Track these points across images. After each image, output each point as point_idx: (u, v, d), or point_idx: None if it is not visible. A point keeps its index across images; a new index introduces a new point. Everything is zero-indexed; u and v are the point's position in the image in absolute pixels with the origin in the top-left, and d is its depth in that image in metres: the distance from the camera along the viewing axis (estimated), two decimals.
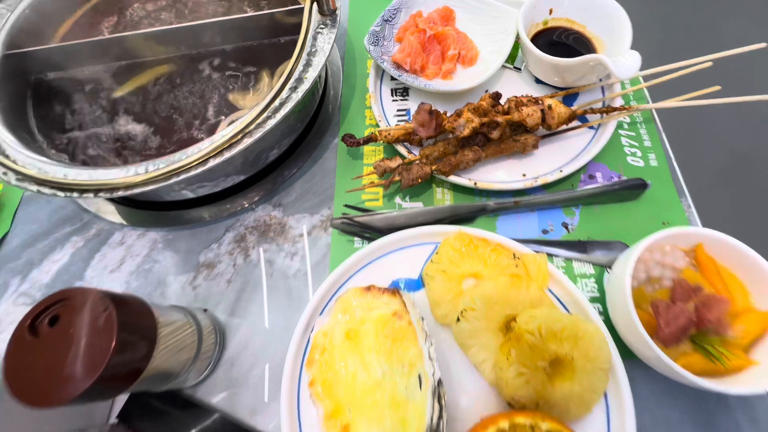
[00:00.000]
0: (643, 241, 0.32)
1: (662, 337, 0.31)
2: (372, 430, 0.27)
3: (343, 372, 0.31)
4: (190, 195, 0.43)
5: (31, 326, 0.24)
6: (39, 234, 0.45)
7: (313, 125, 0.48)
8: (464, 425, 0.31)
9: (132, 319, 0.26)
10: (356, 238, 0.41)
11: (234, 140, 0.35)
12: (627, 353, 0.33)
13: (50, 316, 0.25)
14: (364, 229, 0.40)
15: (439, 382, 0.29)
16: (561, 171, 0.40)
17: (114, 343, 0.24)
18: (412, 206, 0.42)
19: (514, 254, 0.36)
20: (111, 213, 0.45)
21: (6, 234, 0.45)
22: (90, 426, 0.34)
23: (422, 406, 0.28)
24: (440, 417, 0.28)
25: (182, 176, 0.34)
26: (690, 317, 0.31)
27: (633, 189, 0.40)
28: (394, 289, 0.34)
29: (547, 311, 0.32)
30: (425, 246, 0.38)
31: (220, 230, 0.43)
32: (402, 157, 0.41)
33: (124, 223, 0.44)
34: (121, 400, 0.35)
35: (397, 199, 0.43)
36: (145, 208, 0.44)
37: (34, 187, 0.35)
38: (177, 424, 0.35)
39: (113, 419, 0.35)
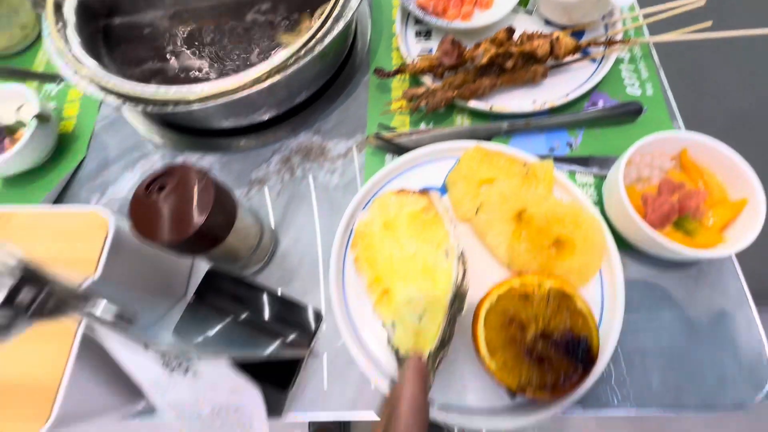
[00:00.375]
0: (636, 143, 0.38)
1: (649, 221, 0.37)
2: (408, 289, 0.34)
3: (382, 251, 0.37)
4: (244, 123, 0.49)
5: (146, 189, 0.31)
6: (111, 159, 0.52)
7: (346, 65, 0.54)
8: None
9: (221, 193, 0.33)
10: (387, 156, 0.47)
11: (287, 63, 0.41)
12: (620, 245, 0.40)
13: (159, 184, 0.32)
14: (395, 147, 0.46)
15: (462, 253, 0.35)
16: (567, 96, 0.45)
17: (213, 201, 0.31)
18: None
19: (524, 163, 0.42)
20: (172, 140, 0.51)
21: (83, 160, 0.52)
22: (171, 300, 0.41)
23: (449, 270, 0.35)
24: (463, 277, 0.34)
25: (244, 92, 0.40)
26: (673, 205, 0.37)
27: (629, 112, 0.46)
28: (422, 191, 0.40)
29: (554, 201, 0.38)
30: (448, 160, 0.44)
31: (268, 153, 0.50)
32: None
33: (185, 149, 0.51)
34: (195, 282, 0.43)
35: (422, 126, 0.49)
36: (202, 136, 0.51)
37: (119, 102, 0.41)
38: (240, 301, 0.42)
39: (190, 296, 0.42)
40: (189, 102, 0.40)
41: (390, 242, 0.38)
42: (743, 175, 0.36)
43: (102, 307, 0.21)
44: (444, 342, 0.33)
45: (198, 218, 0.30)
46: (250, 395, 0.33)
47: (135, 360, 0.31)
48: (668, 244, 0.34)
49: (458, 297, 0.34)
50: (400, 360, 0.33)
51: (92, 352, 0.30)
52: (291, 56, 0.41)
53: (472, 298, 0.37)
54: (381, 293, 0.36)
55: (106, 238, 0.32)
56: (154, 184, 0.32)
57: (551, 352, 0.32)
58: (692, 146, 0.39)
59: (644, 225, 0.35)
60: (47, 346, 0.29)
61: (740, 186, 0.37)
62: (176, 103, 0.40)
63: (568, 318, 0.33)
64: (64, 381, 0.28)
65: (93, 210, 0.33)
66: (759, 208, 0.35)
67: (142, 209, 0.31)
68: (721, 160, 0.38)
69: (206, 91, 0.40)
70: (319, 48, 0.42)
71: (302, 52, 0.42)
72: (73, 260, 0.32)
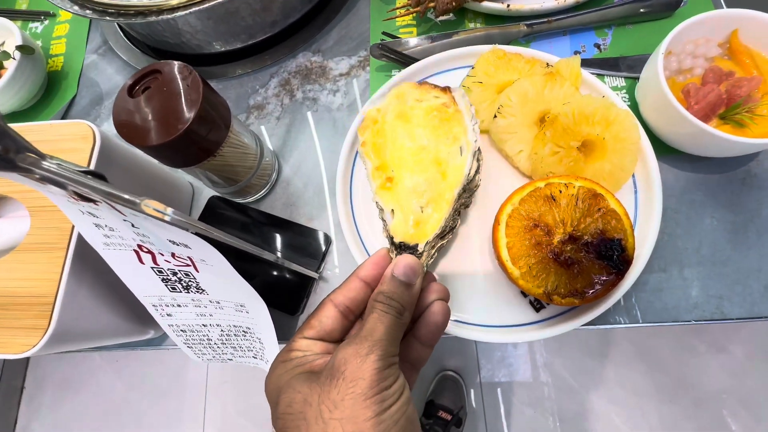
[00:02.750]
0: (676, 27, 0.33)
1: (693, 114, 0.33)
2: (415, 178, 0.31)
3: (392, 139, 0.34)
4: (238, 45, 0.46)
5: (129, 91, 0.28)
6: (102, 94, 0.49)
7: None
8: None
9: (213, 94, 0.30)
10: (393, 72, 0.43)
11: None
12: (657, 150, 0.35)
13: (144, 84, 0.29)
14: (403, 59, 0.42)
15: (479, 149, 0.32)
16: None
17: (202, 97, 0.28)
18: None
19: (547, 63, 0.38)
20: None
21: (74, 97, 0.49)
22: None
23: (462, 165, 0.31)
24: (477, 172, 0.31)
25: None
26: (719, 94, 0.32)
27: (666, 4, 0.40)
28: (445, 87, 0.35)
29: (582, 97, 0.34)
30: (461, 69, 0.40)
31: (266, 77, 0.46)
32: None
33: None
34: (198, 210, 0.41)
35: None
36: (197, 64, 0.48)
37: (97, 16, 0.38)
38: (245, 228, 0.40)
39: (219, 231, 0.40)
40: (172, 9, 0.36)
41: (402, 132, 0.34)
42: None
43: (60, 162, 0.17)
44: (444, 233, 0.30)
45: (187, 114, 0.27)
46: (257, 310, 0.31)
47: (135, 275, 0.29)
48: (718, 133, 0.30)
49: (467, 191, 0.31)
50: (396, 247, 0.30)
51: (89, 263, 0.28)
52: None
53: (490, 209, 0.34)
54: (385, 180, 0.33)
55: (93, 148, 0.30)
56: (138, 86, 0.29)
57: (581, 256, 0.29)
58: (744, 25, 0.34)
59: (688, 115, 0.31)
60: (43, 258, 0.28)
61: None
62: (159, 11, 0.36)
63: (600, 219, 0.30)
64: (60, 293, 0.27)
65: (79, 122, 0.31)
66: None
67: (126, 112, 0.28)
68: None
69: None
70: None
71: None
72: None
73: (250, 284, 0.30)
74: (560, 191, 0.31)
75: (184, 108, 0.28)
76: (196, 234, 0.25)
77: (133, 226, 0.23)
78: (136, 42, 0.50)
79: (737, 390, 1.09)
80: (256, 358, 0.38)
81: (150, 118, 0.28)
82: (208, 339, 0.36)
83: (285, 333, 0.37)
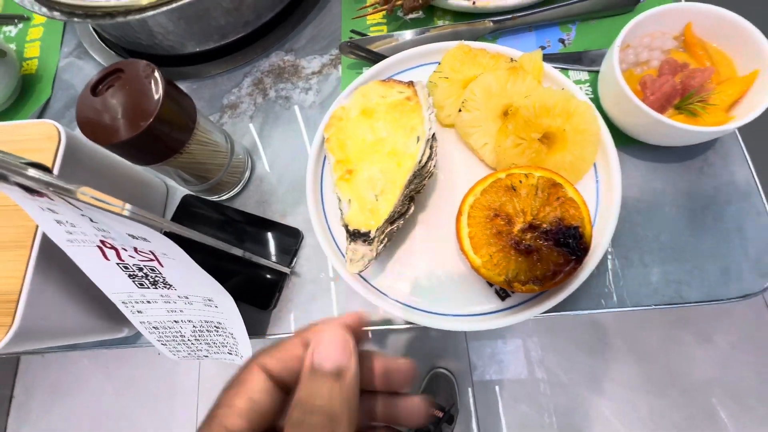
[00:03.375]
0: (631, 21, 0.34)
1: (649, 104, 0.33)
2: (371, 169, 0.32)
3: (354, 135, 0.35)
4: (211, 45, 0.46)
5: (93, 90, 0.29)
6: (77, 96, 0.49)
7: None
8: None
9: (176, 91, 0.30)
10: (365, 69, 0.44)
11: None
12: (618, 141, 0.36)
13: (108, 83, 0.29)
14: (372, 56, 0.42)
15: (433, 136, 0.32)
16: None
17: (163, 93, 0.28)
18: None
19: (511, 58, 0.39)
20: None
21: (49, 99, 0.49)
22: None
23: (416, 152, 0.32)
24: (429, 158, 0.32)
25: None
26: (674, 85, 0.34)
27: None
28: (409, 81, 0.36)
29: (543, 90, 0.35)
30: (429, 65, 0.41)
31: (239, 77, 0.47)
32: None
33: None
34: (172, 209, 0.41)
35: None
36: (171, 65, 0.48)
37: (65, 18, 0.38)
38: (218, 225, 0.40)
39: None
40: (139, 9, 0.37)
41: (364, 127, 0.35)
42: (755, 45, 0.32)
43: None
44: (393, 218, 0.31)
45: (150, 111, 0.28)
46: (224, 303, 0.31)
47: (102, 272, 0.29)
48: (670, 122, 0.31)
49: (419, 176, 0.32)
50: (351, 235, 0.31)
51: (55, 261, 0.29)
52: None
53: (457, 201, 0.35)
54: (345, 172, 0.33)
55: (58, 147, 0.30)
56: (102, 85, 0.29)
57: (540, 243, 0.30)
58: (697, 18, 0.35)
59: (643, 106, 0.32)
60: (8, 256, 0.28)
61: (751, 57, 0.33)
62: (126, 12, 0.37)
63: (559, 207, 0.31)
64: (24, 289, 0.27)
65: (43, 121, 0.31)
66: None
67: (89, 110, 0.29)
68: (730, 31, 0.34)
69: None
70: None
71: None
72: None
73: (223, 280, 0.31)
74: (520, 181, 0.31)
75: (147, 105, 0.28)
76: (167, 233, 0.25)
77: (91, 220, 0.24)
78: (110, 44, 0.50)
79: (724, 379, 1.11)
80: (231, 353, 0.38)
81: (113, 116, 0.28)
82: (181, 335, 0.36)
83: (257, 328, 0.37)
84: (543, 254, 0.30)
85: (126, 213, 0.21)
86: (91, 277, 0.29)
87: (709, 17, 0.34)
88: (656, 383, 1.11)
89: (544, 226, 0.30)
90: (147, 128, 0.28)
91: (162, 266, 0.28)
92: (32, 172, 0.16)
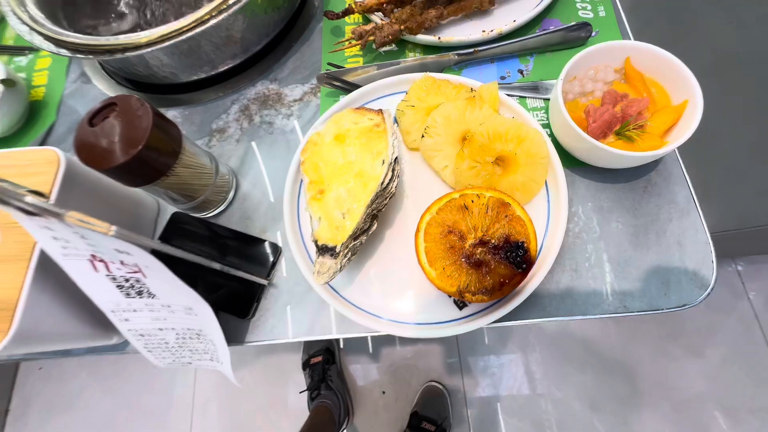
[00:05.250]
0: (575, 56, 0.38)
1: (591, 131, 0.37)
2: (339, 189, 0.35)
3: (327, 158, 0.38)
4: (202, 75, 0.50)
5: (90, 121, 0.33)
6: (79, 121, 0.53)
7: (301, 14, 0.54)
8: None
9: (163, 121, 0.34)
10: (342, 97, 0.48)
11: (228, 2, 0.42)
12: (570, 163, 0.40)
13: (103, 115, 0.33)
14: (347, 86, 0.46)
15: (396, 160, 0.36)
16: (514, 21, 0.45)
17: (152, 125, 0.32)
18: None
19: (471, 89, 0.43)
20: None
21: (53, 124, 0.54)
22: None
23: (380, 174, 0.35)
24: (392, 180, 0.35)
25: (189, 33, 0.41)
26: (614, 114, 0.37)
27: (578, 34, 0.45)
28: (379, 109, 0.40)
29: (497, 118, 0.39)
30: (399, 94, 0.45)
31: (227, 104, 0.51)
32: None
33: None
34: (163, 225, 0.44)
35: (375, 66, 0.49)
36: (166, 93, 0.52)
37: (70, 54, 0.42)
38: (204, 241, 0.43)
39: (156, 240, 0.44)
40: (139, 46, 0.41)
41: (336, 151, 0.38)
42: (683, 78, 0.36)
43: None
44: (357, 234, 0.34)
45: (139, 139, 0.31)
46: (203, 311, 0.34)
47: (92, 283, 0.33)
48: (607, 148, 0.35)
49: (381, 197, 0.35)
50: (319, 249, 0.34)
51: (51, 273, 0.32)
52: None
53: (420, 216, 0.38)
54: (317, 192, 0.37)
55: (57, 172, 0.34)
56: (97, 117, 0.33)
57: (489, 257, 0.33)
58: (635, 54, 0.38)
59: (582, 133, 0.35)
60: (9, 268, 0.31)
61: (681, 89, 0.37)
62: (125, 49, 0.41)
63: (507, 225, 0.34)
64: (22, 298, 0.30)
65: (45, 148, 0.35)
66: (697, 106, 0.35)
67: (85, 139, 0.32)
68: (663, 66, 0.37)
69: (155, 33, 0.41)
70: None
71: None
72: None
73: (205, 291, 0.34)
74: (472, 201, 0.35)
75: (136, 134, 0.32)
76: (153, 251, 0.29)
77: (83, 237, 0.27)
78: (111, 73, 0.55)
79: (715, 393, 1.11)
80: (213, 360, 0.41)
81: (107, 144, 0.32)
82: (165, 342, 0.39)
83: (237, 336, 0.40)
84: (492, 267, 0.33)
85: (112, 233, 0.24)
86: (82, 288, 0.32)
87: (646, 53, 0.38)
88: (648, 398, 1.12)
89: (493, 241, 0.33)
90: (136, 155, 0.31)
91: (146, 277, 0.31)
92: (29, 198, 0.19)
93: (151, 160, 0.33)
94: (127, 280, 0.32)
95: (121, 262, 0.30)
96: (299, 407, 1.16)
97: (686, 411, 1.10)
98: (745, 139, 0.65)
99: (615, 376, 1.15)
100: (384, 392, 1.17)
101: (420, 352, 1.21)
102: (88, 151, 0.32)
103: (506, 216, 0.34)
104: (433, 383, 1.14)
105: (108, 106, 0.33)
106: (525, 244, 0.33)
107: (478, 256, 0.33)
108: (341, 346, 1.22)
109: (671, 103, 0.38)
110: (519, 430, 1.11)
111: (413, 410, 1.09)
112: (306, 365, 1.17)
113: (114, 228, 0.23)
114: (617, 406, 1.12)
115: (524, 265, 0.33)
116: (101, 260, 0.30)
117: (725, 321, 1.19)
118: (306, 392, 1.13)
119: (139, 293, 0.33)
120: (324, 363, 1.13)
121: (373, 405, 1.17)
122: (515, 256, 0.33)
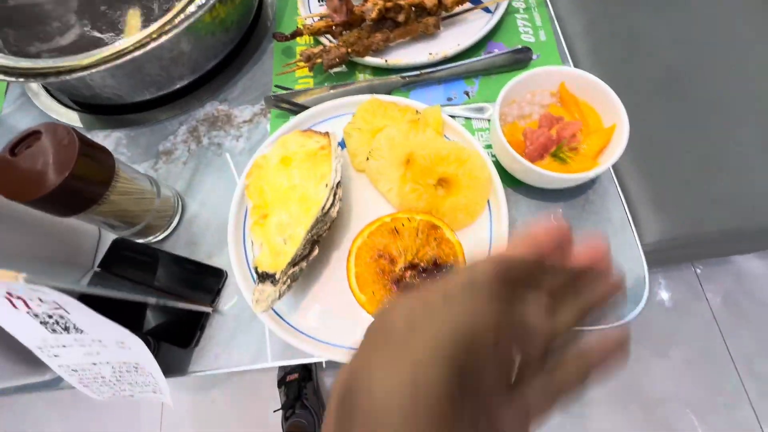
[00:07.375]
0: (511, 81, 0.39)
1: (528, 154, 0.38)
2: (282, 214, 0.35)
3: (272, 182, 0.38)
4: (148, 96, 0.49)
5: (11, 151, 0.31)
6: None
7: (252, 34, 0.54)
8: None
9: (93, 149, 0.33)
10: (291, 118, 0.47)
11: (173, 22, 0.41)
12: (509, 182, 0.41)
13: (26, 144, 0.32)
14: (296, 107, 0.46)
15: (338, 184, 0.36)
16: (458, 45, 0.46)
17: (77, 155, 0.31)
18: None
19: (416, 111, 0.43)
20: (82, 120, 0.51)
21: None
22: (77, 272, 0.42)
23: (322, 198, 0.35)
24: (332, 205, 0.35)
25: (134, 54, 0.40)
26: (549, 137, 0.38)
27: (520, 55, 0.47)
28: (326, 132, 0.40)
29: (438, 140, 0.39)
30: (347, 115, 0.45)
31: (175, 125, 0.50)
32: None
33: (94, 127, 0.50)
34: (102, 252, 0.43)
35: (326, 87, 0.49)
36: (111, 113, 0.51)
37: (6, 78, 0.41)
38: (146, 267, 0.42)
39: (96, 267, 0.42)
40: (74, 69, 0.40)
41: (281, 175, 0.38)
42: (612, 103, 0.38)
43: None
44: (296, 261, 0.34)
45: (60, 172, 0.30)
46: (135, 345, 0.33)
47: (13, 321, 0.31)
48: (539, 170, 0.36)
49: (323, 222, 0.35)
50: (259, 276, 0.34)
51: None
52: (177, 13, 0.41)
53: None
54: (260, 217, 0.36)
55: None
56: (20, 146, 0.32)
57: (418, 281, 0.33)
58: (568, 79, 0.40)
59: (516, 155, 0.36)
60: None
61: (611, 113, 0.38)
62: (57, 73, 0.40)
63: (436, 247, 0.34)
64: None
65: None
66: (624, 129, 0.36)
67: (7, 171, 0.31)
68: (594, 91, 0.39)
69: (94, 56, 0.40)
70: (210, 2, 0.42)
71: (190, 9, 0.42)
72: None
73: (145, 321, 0.32)
74: (403, 224, 0.35)
75: (61, 164, 0.31)
76: (81, 295, 0.28)
77: None
78: (54, 94, 0.53)
79: (681, 394, 1.15)
80: (155, 392, 0.39)
81: (29, 175, 0.31)
82: (101, 376, 0.37)
83: (178, 366, 0.39)
84: None
85: (21, 281, 0.23)
86: (3, 326, 0.31)
87: (578, 79, 0.40)
88: (616, 398, 1.14)
89: (422, 264, 0.34)
90: (61, 184, 0.30)
91: (69, 313, 0.30)
92: None
93: (78, 189, 0.32)
94: (50, 317, 0.31)
95: (40, 299, 0.28)
96: (276, 426, 1.13)
97: (653, 411, 1.13)
98: (697, 150, 0.69)
99: None
100: None
101: None
102: (8, 183, 0.30)
103: (435, 239, 0.35)
104: None
105: (31, 135, 0.32)
106: (453, 267, 0.33)
107: (407, 280, 0.33)
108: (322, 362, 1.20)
109: (603, 125, 0.39)
110: None
111: None
112: (281, 382, 1.14)
113: (22, 276, 0.22)
114: (584, 408, 1.14)
115: None
116: (19, 297, 0.29)
117: (688, 321, 1.23)
118: (280, 411, 1.10)
119: (66, 329, 0.32)
120: (300, 380, 1.11)
121: None
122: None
